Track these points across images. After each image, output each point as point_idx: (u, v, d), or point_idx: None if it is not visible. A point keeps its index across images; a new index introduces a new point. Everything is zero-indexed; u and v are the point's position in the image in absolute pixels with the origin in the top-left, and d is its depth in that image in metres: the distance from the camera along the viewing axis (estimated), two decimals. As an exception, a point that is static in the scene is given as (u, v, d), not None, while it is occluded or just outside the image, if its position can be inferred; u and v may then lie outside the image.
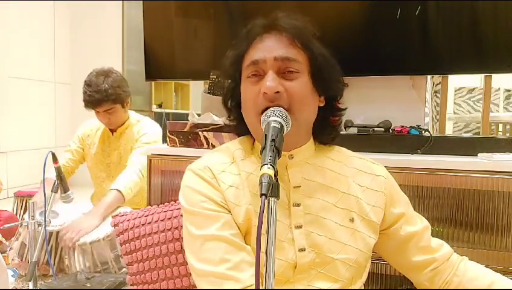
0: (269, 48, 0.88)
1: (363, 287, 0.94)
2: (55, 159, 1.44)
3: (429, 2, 1.55)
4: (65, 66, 4.61)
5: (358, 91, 1.72)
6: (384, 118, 1.59)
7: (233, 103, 0.97)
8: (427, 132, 1.51)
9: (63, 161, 2.21)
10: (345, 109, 0.99)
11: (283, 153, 0.88)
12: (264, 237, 0.64)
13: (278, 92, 0.85)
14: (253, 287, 0.78)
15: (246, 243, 0.86)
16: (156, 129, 2.19)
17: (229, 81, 0.97)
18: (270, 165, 0.69)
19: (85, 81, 2.06)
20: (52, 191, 1.44)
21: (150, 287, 1.32)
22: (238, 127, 0.99)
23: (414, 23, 1.58)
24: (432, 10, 1.56)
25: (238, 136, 1.02)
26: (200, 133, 1.61)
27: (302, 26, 0.91)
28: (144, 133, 2.14)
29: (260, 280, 0.64)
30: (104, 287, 1.51)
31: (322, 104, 0.94)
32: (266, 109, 0.85)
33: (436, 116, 2.29)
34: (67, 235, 1.69)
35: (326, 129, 0.97)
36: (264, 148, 0.73)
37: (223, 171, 0.91)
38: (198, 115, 1.71)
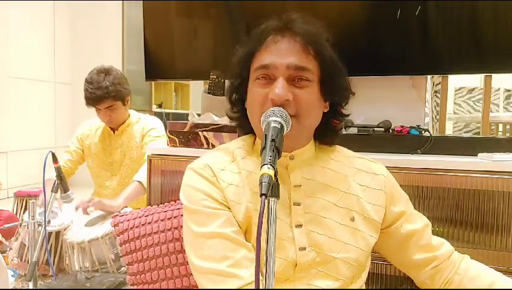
0: (282, 53, 0.87)
1: (363, 286, 0.94)
2: (55, 159, 1.44)
3: (429, 2, 1.55)
4: (65, 66, 4.61)
5: (358, 91, 1.71)
6: (384, 118, 1.59)
7: (237, 96, 0.97)
8: (427, 132, 1.51)
9: (61, 163, 2.22)
10: (348, 115, 0.98)
11: (284, 153, 0.89)
12: (264, 236, 0.64)
13: (286, 99, 0.85)
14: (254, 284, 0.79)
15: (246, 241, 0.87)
16: (160, 124, 2.24)
17: (236, 76, 0.96)
18: (270, 165, 0.69)
19: (86, 79, 2.08)
20: (52, 191, 1.45)
21: (150, 287, 1.32)
22: (241, 121, 0.99)
23: (414, 23, 1.58)
24: (432, 10, 1.56)
25: (239, 130, 1.02)
26: (200, 133, 1.61)
27: (316, 31, 0.90)
28: (153, 128, 2.18)
29: (260, 279, 0.64)
30: (104, 287, 1.51)
31: (326, 110, 0.94)
32: None
33: (436, 116, 2.29)
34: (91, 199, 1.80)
35: (328, 132, 0.97)
36: (264, 148, 0.73)
37: (222, 170, 0.91)
38: (198, 115, 1.71)
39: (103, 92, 2.02)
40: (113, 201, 1.86)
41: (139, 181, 1.94)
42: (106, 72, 2.08)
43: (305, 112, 0.87)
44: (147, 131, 2.18)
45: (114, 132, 2.22)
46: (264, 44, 0.90)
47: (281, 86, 0.85)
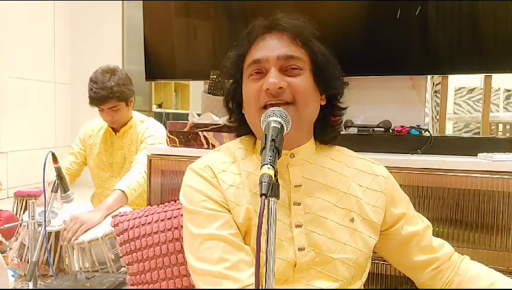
0: (271, 47, 0.89)
1: (363, 287, 0.94)
2: (55, 159, 1.44)
3: (429, 2, 1.55)
4: (65, 66, 4.61)
5: (358, 91, 1.72)
6: (384, 118, 1.59)
7: (234, 103, 0.98)
8: (427, 132, 1.50)
9: (66, 164, 2.23)
10: (345, 108, 0.99)
11: (284, 151, 0.90)
12: (264, 236, 0.64)
13: (280, 87, 0.86)
14: (251, 286, 0.78)
15: (245, 243, 0.87)
16: (161, 131, 2.20)
17: (231, 81, 0.97)
18: (270, 165, 0.69)
19: (91, 78, 2.07)
20: (52, 191, 1.45)
21: (150, 287, 1.32)
22: (239, 128, 0.99)
23: (414, 23, 1.58)
24: (432, 10, 1.56)
25: (238, 136, 1.02)
26: (200, 133, 1.61)
27: (303, 25, 0.92)
28: (150, 135, 2.15)
29: (260, 280, 0.64)
30: (104, 287, 1.51)
31: (323, 103, 0.95)
32: (268, 105, 0.86)
33: (436, 116, 2.29)
34: (70, 226, 1.72)
35: (327, 129, 0.98)
36: (264, 148, 0.73)
37: (223, 171, 0.91)
38: (198, 115, 1.71)
39: (107, 93, 2.02)
40: (93, 214, 1.82)
41: (121, 190, 1.91)
42: (111, 72, 2.08)
43: (302, 97, 0.88)
44: (145, 137, 2.15)
45: (116, 133, 2.22)
46: (253, 44, 0.92)
47: (274, 75, 0.87)
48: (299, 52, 0.90)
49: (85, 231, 1.73)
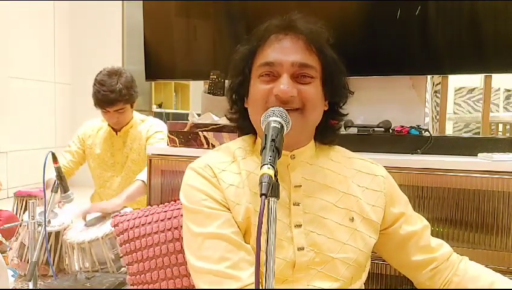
0: (286, 51, 0.89)
1: (363, 287, 0.94)
2: (55, 159, 1.44)
3: (429, 2, 1.55)
4: (65, 66, 4.61)
5: (358, 91, 1.70)
6: (384, 118, 1.59)
7: (238, 96, 0.97)
8: (427, 132, 1.50)
9: (63, 162, 2.22)
10: (346, 115, 1.00)
11: (285, 152, 0.90)
12: (263, 236, 0.64)
13: (291, 96, 0.86)
14: (252, 285, 0.78)
15: (245, 242, 0.86)
16: (165, 127, 2.21)
17: (237, 74, 0.96)
18: (270, 165, 0.69)
19: (97, 80, 2.06)
20: (52, 191, 1.45)
21: (150, 287, 1.32)
22: (239, 122, 0.99)
23: (414, 23, 1.58)
24: (431, 10, 1.56)
25: (238, 131, 1.02)
26: (200, 133, 1.61)
27: (319, 31, 0.92)
28: (158, 131, 2.18)
29: (260, 279, 0.64)
30: (104, 287, 1.51)
31: (325, 108, 0.95)
32: None
33: (436, 116, 2.29)
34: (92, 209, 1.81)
35: (327, 132, 0.98)
36: (264, 148, 0.73)
37: (223, 170, 0.91)
38: (198, 115, 1.71)
39: (116, 96, 2.03)
40: (114, 199, 1.87)
41: (142, 181, 1.94)
42: (118, 74, 2.08)
43: (311, 105, 0.88)
44: (152, 133, 2.17)
45: (116, 133, 2.22)
46: (267, 42, 0.91)
47: (287, 83, 0.86)
48: (312, 60, 0.89)
49: (104, 216, 1.81)
